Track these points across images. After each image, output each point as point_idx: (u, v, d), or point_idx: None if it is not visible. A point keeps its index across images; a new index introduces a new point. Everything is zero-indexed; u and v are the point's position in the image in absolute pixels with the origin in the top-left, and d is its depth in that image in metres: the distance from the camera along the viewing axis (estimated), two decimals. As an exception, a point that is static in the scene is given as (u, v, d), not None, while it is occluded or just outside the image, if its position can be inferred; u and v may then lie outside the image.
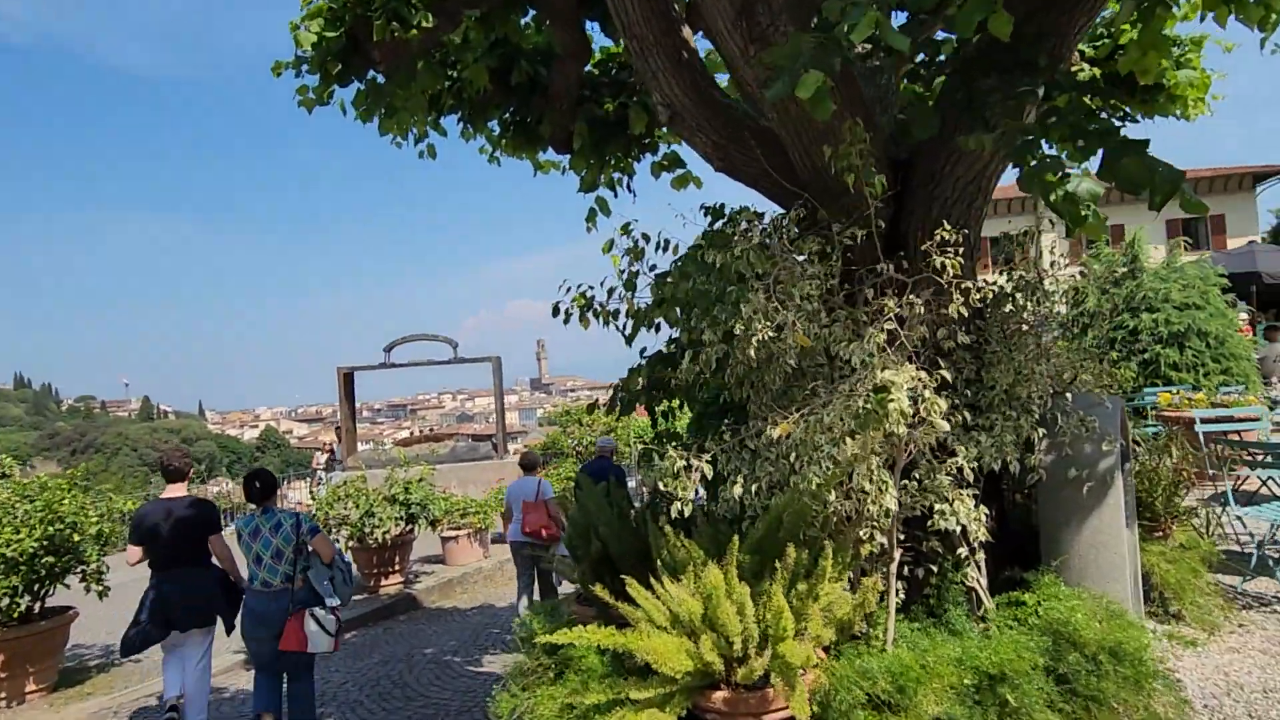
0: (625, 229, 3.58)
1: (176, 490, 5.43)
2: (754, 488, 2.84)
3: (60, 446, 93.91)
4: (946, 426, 2.58)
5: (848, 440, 2.47)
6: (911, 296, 2.81)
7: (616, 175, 6.18)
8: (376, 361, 15.33)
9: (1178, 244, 11.65)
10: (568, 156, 5.90)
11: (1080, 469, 3.44)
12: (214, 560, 5.27)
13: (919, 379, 2.47)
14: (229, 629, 5.34)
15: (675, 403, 4.28)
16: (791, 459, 2.68)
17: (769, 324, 2.69)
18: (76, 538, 6.41)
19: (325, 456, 17.10)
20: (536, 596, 7.42)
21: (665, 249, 3.59)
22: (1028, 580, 3.32)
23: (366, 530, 9.06)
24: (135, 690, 6.73)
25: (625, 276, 3.59)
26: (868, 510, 2.65)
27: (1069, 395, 3.52)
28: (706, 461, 2.77)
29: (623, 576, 2.81)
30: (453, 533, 10.48)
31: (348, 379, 15.50)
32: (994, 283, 3.38)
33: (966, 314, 2.94)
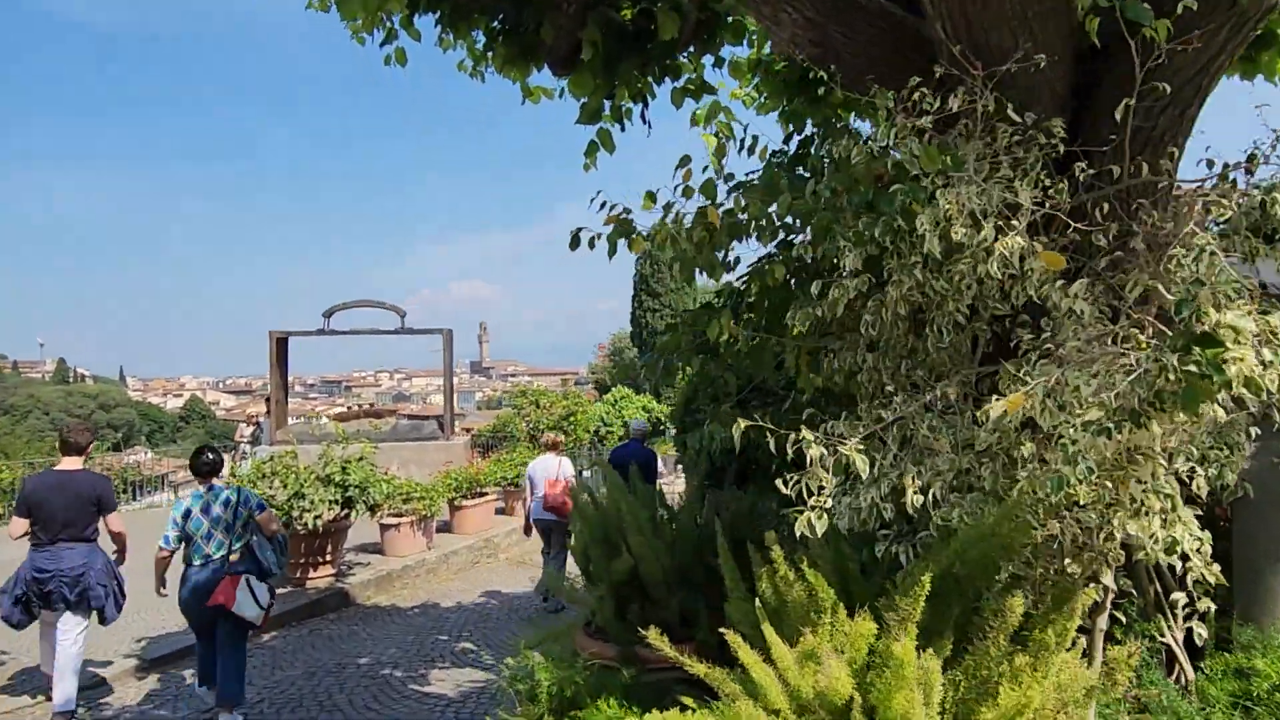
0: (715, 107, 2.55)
1: (73, 464, 5.19)
2: (929, 493, 1.86)
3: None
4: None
5: (1123, 427, 1.53)
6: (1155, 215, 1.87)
7: (626, 106, 5.11)
8: (314, 329, 13.92)
9: None
10: (564, 82, 4.84)
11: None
12: (99, 540, 5.19)
13: (1272, 327, 1.54)
14: (107, 619, 5.24)
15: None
16: (993, 452, 1.72)
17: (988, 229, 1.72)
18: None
19: (251, 429, 15.58)
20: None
21: (750, 150, 2.57)
22: (1229, 633, 2.42)
23: (295, 514, 7.83)
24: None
25: (704, 181, 2.55)
26: (1095, 540, 1.71)
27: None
28: (857, 449, 1.78)
29: (721, 630, 1.79)
30: (393, 520, 9.28)
31: (281, 344, 14.04)
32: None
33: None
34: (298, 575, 8.10)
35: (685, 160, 2.57)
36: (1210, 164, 2.31)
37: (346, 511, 8.14)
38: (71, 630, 5.05)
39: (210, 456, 5.25)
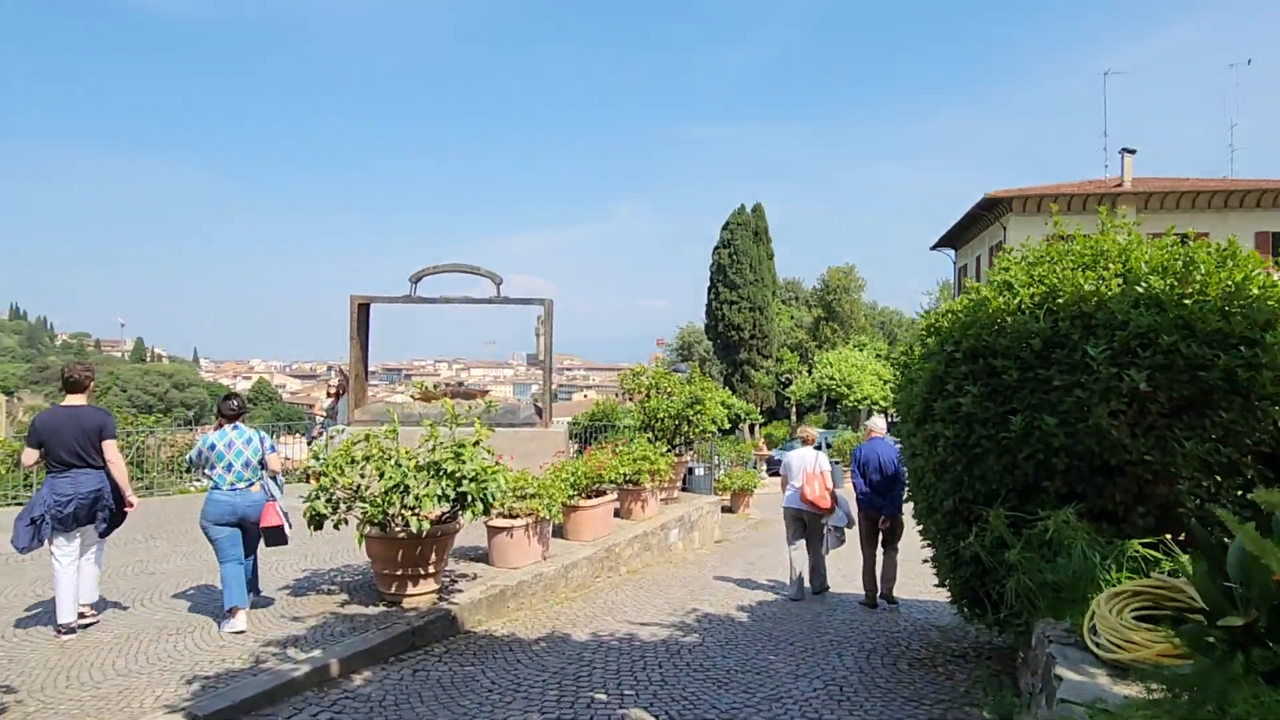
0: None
1: (77, 399, 5.74)
2: None
3: (50, 381, 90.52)
4: None
5: None
6: None
7: None
8: (399, 294, 12.20)
9: None
10: None
11: None
12: (106, 464, 5.64)
13: None
14: (106, 531, 5.76)
15: None
16: None
17: None
18: None
19: (329, 401, 13.94)
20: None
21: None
22: None
23: (390, 512, 6.00)
24: None
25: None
26: None
27: None
28: None
29: None
30: (504, 522, 7.40)
31: (362, 310, 12.37)
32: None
33: None
34: (392, 590, 6.26)
35: None
36: None
37: (457, 511, 6.27)
38: (94, 551, 5.78)
39: (235, 402, 6.33)
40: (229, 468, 5.84)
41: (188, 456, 6.24)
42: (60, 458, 5.49)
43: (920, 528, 6.12)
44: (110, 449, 5.67)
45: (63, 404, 5.75)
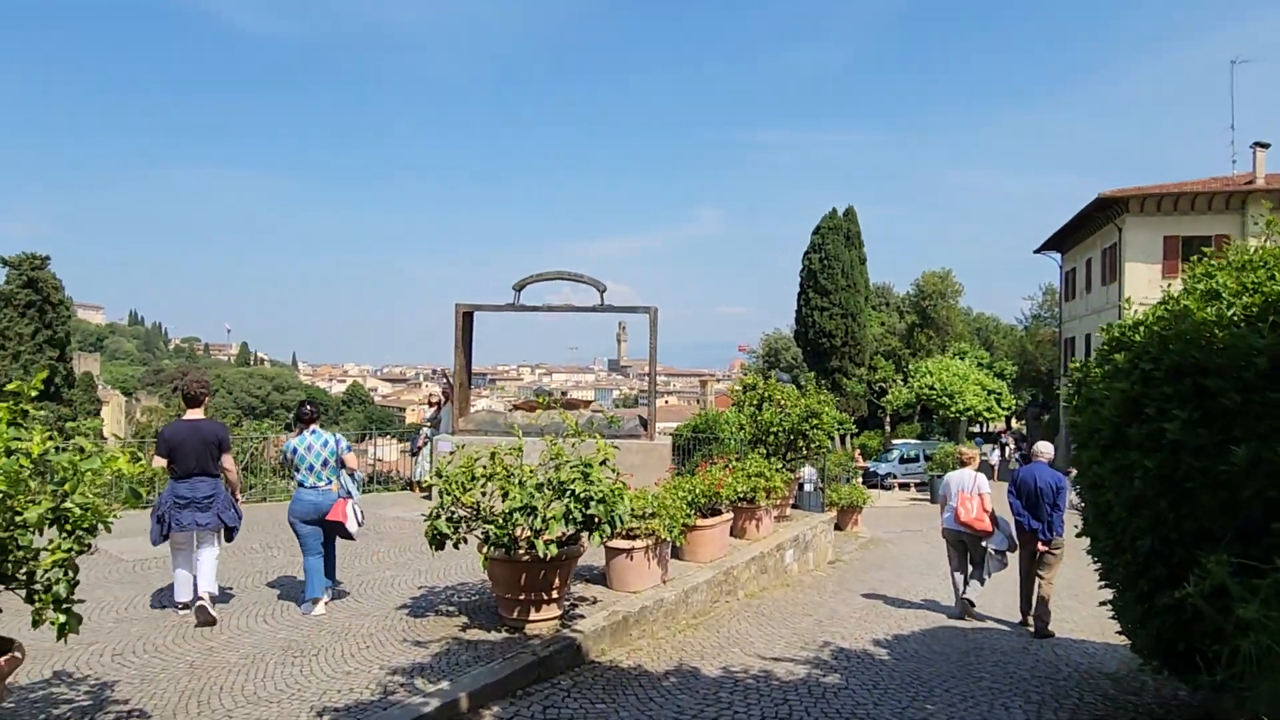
0: None
1: (196, 413, 6.50)
2: None
3: (164, 383, 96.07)
4: None
5: None
6: None
7: None
8: (504, 303, 12.05)
9: None
10: None
11: None
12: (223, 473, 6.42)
13: None
14: (230, 536, 6.51)
15: None
16: None
17: None
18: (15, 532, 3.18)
19: (431, 411, 13.95)
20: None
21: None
22: None
23: (516, 532, 5.70)
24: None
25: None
26: None
27: None
28: None
29: None
30: (625, 543, 7.04)
31: (467, 319, 12.29)
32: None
33: None
34: (514, 615, 5.97)
35: None
36: None
37: (580, 533, 5.94)
38: (209, 552, 6.26)
39: (309, 408, 6.97)
40: (310, 469, 6.48)
41: (283, 458, 6.94)
42: (185, 466, 6.20)
43: (1098, 567, 5.43)
44: (227, 460, 6.43)
45: (184, 418, 6.47)
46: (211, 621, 5.99)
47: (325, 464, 6.51)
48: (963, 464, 8.70)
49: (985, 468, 14.43)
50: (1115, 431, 4.84)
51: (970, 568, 8.41)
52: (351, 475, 6.83)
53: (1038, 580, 7.86)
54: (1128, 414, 4.73)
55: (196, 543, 6.22)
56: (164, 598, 6.72)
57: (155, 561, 7.94)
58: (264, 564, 8.17)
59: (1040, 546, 7.77)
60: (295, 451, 6.54)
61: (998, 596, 8.94)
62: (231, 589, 7.08)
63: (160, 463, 6.25)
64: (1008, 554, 8.26)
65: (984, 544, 8.25)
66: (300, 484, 6.51)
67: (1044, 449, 8.08)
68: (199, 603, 6.07)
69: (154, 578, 7.40)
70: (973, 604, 8.40)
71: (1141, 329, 4.99)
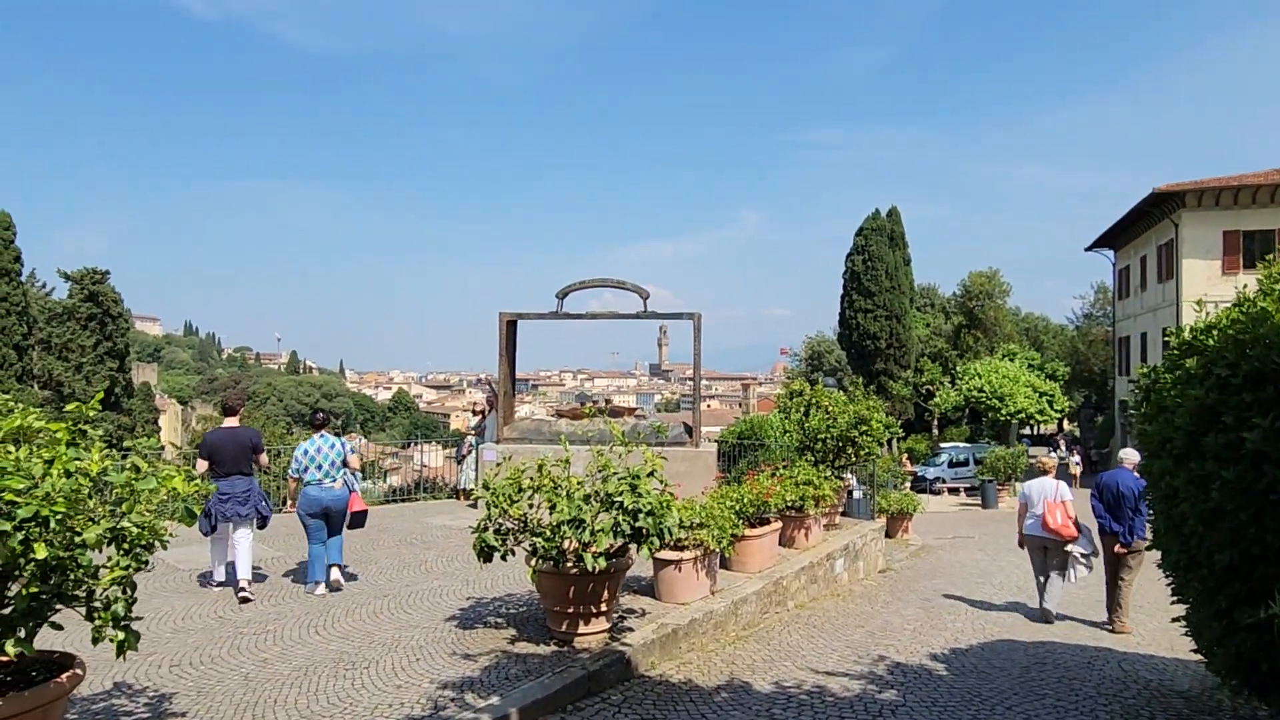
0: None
1: (233, 421, 7.78)
2: None
3: (217, 392, 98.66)
4: None
5: None
6: None
7: None
8: (547, 310, 12.06)
9: None
10: None
11: None
12: (256, 471, 7.74)
13: None
14: (263, 524, 7.69)
15: None
16: None
17: None
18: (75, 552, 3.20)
19: (475, 419, 14.02)
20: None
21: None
22: None
23: (564, 545, 5.65)
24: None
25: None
26: None
27: None
28: None
29: None
30: (673, 554, 6.95)
31: (510, 328, 12.32)
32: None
33: None
34: (563, 628, 5.92)
35: None
36: None
37: (629, 545, 5.87)
38: (245, 538, 7.25)
39: (321, 416, 8.08)
40: (319, 468, 7.40)
41: (293, 469, 7.59)
42: (224, 466, 7.37)
43: (1171, 582, 5.18)
44: (261, 460, 7.75)
45: (224, 425, 7.71)
46: (248, 600, 6.98)
47: (333, 464, 7.44)
48: (1043, 472, 8.93)
49: (1065, 475, 14.52)
50: (1190, 440, 4.60)
51: (1051, 574, 8.65)
52: (354, 474, 7.75)
53: (1119, 582, 8.26)
54: (1203, 422, 4.50)
55: (234, 530, 7.22)
56: (221, 607, 6.82)
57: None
58: (315, 574, 8.25)
59: (1119, 549, 8.12)
60: (306, 453, 7.47)
61: (1075, 596, 9.36)
62: (281, 599, 7.16)
63: (203, 465, 7.35)
64: (1091, 558, 8.53)
65: (1067, 549, 8.52)
66: (308, 482, 7.38)
67: (1129, 455, 8.17)
68: (240, 590, 7.04)
69: (211, 587, 7.53)
70: (1051, 613, 8.65)
71: (1215, 332, 4.75)
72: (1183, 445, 4.68)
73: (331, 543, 7.51)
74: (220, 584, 7.39)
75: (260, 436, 7.93)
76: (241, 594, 7.01)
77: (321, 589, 7.31)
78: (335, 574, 7.51)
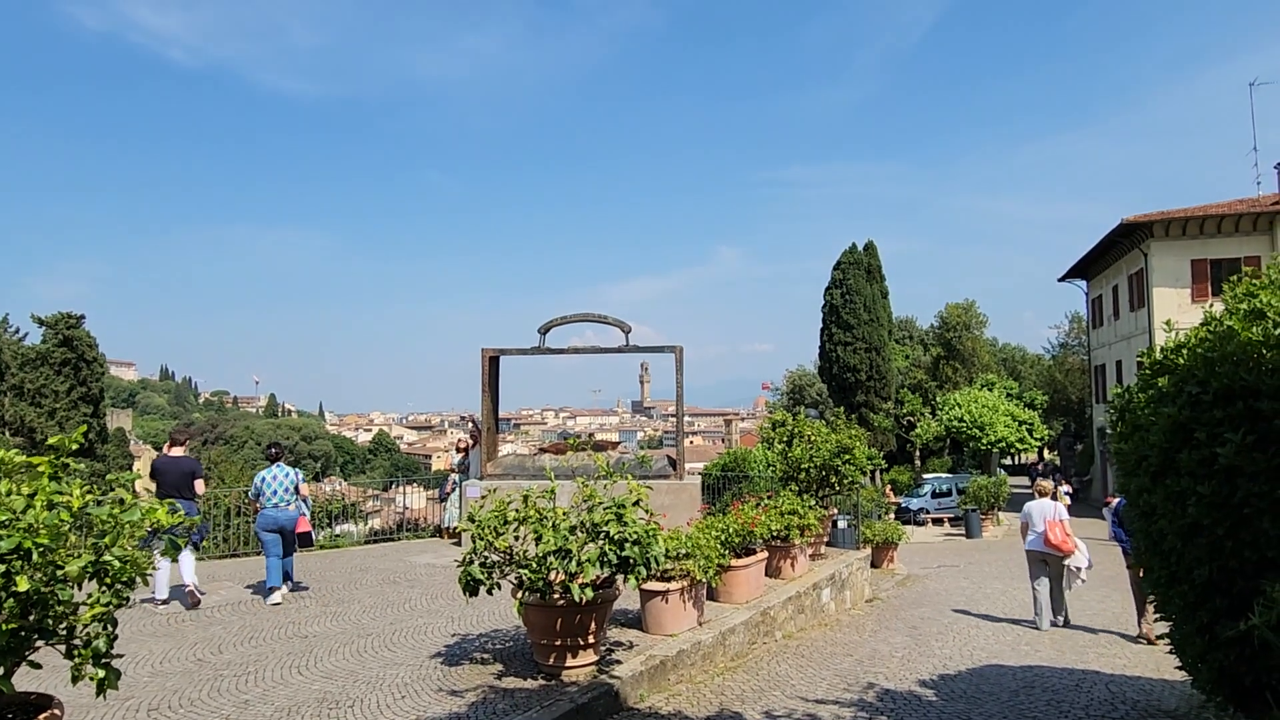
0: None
1: (178, 451, 8.97)
2: None
3: (194, 436, 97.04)
4: None
5: None
6: None
7: None
8: (529, 346, 12.09)
9: None
10: None
11: None
12: (196, 496, 8.71)
13: None
14: (197, 544, 9.37)
15: None
16: None
17: None
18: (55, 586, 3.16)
19: (459, 456, 13.94)
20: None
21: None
22: None
23: (550, 576, 5.62)
24: None
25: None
26: None
27: None
28: None
29: None
30: (660, 585, 6.92)
31: (493, 364, 12.33)
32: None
33: None
34: (550, 661, 5.85)
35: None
36: None
37: (616, 576, 5.84)
38: (186, 556, 8.36)
39: (274, 449, 9.28)
40: (274, 493, 8.78)
41: (251, 493, 9.00)
42: (165, 490, 8.39)
43: (1154, 600, 5.23)
44: (199, 486, 8.75)
45: (169, 454, 8.88)
46: (198, 603, 8.20)
47: (286, 489, 8.84)
48: (1040, 495, 10.24)
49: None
50: (1164, 458, 4.69)
51: (1050, 583, 9.85)
52: (304, 500, 9.23)
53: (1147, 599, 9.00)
54: (1177, 439, 4.59)
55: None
56: (200, 651, 6.69)
57: (189, 616, 7.94)
58: (296, 614, 8.11)
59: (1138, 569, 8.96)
60: (264, 480, 8.85)
61: (1077, 603, 10.68)
62: (263, 640, 7.03)
63: (150, 486, 8.55)
64: (1085, 571, 9.88)
65: (1065, 562, 9.78)
66: (263, 505, 8.76)
67: None
68: (188, 590, 8.18)
69: (188, 631, 7.38)
70: (1065, 620, 9.91)
71: (1184, 351, 4.87)
72: (1158, 462, 4.77)
73: (288, 555, 8.94)
74: (164, 602, 8.18)
75: (200, 466, 9.03)
76: (191, 595, 8.17)
77: (277, 595, 8.48)
78: (287, 585, 8.89)
